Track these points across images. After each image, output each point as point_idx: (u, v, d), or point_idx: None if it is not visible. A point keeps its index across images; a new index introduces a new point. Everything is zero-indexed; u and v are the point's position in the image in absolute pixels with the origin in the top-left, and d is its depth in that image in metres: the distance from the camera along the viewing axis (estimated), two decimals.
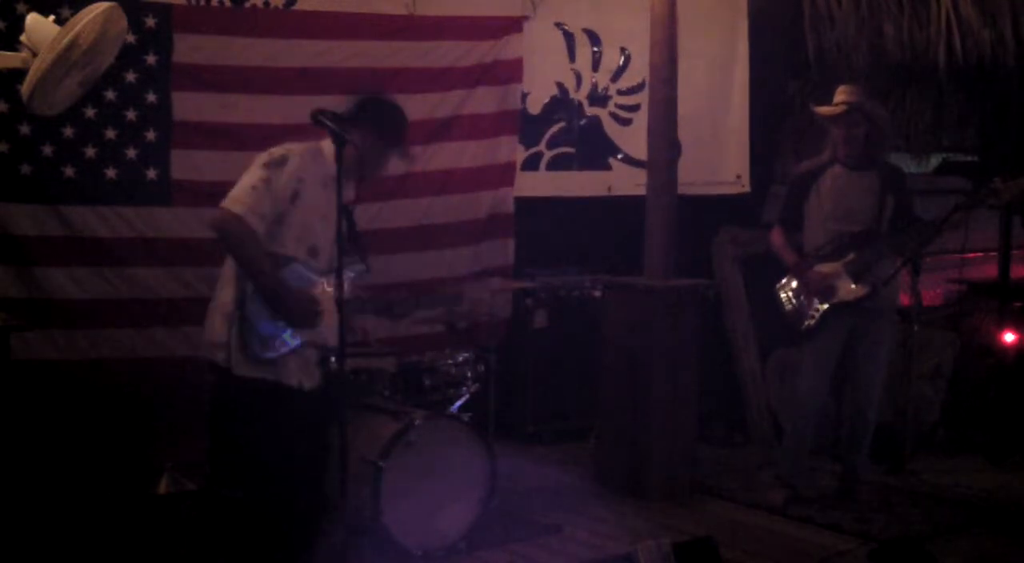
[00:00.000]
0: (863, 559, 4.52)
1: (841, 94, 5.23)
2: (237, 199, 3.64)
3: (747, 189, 6.89)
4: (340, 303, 3.47)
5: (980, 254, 7.24)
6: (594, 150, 6.61)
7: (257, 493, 3.71)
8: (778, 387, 6.50)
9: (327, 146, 3.74)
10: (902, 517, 5.15)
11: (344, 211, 3.55)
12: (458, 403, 5.02)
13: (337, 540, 3.82)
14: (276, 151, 3.74)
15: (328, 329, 3.75)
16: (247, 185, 3.66)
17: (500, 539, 4.73)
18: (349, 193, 3.74)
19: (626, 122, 6.65)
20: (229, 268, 3.76)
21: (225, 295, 3.73)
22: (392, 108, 4.01)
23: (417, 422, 4.49)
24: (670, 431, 5.47)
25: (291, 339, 3.73)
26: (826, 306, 5.22)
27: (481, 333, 5.49)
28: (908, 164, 7.49)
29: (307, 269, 3.74)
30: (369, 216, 5.45)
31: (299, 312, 3.69)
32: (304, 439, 3.72)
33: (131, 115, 5.17)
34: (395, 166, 4.07)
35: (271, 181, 3.66)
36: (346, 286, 3.71)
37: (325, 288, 3.76)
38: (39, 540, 4.33)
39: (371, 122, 3.86)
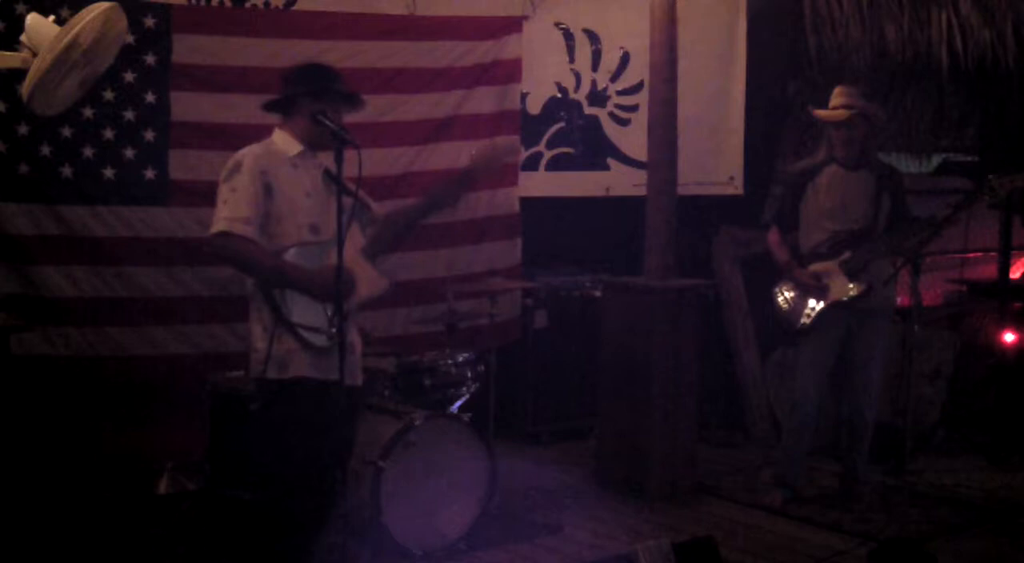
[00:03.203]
0: (863, 559, 4.52)
1: (841, 97, 5.22)
2: (215, 220, 3.65)
3: (740, 191, 6.89)
4: (341, 305, 3.47)
5: (980, 254, 7.26)
6: (593, 150, 6.61)
7: (260, 494, 3.70)
8: (778, 387, 6.50)
9: (277, 136, 3.81)
10: (902, 517, 5.15)
11: (336, 180, 3.54)
12: (458, 403, 5.02)
13: (337, 540, 3.82)
14: (227, 164, 3.74)
15: (363, 283, 3.77)
16: (219, 204, 3.68)
17: (500, 539, 4.73)
18: (326, 158, 3.71)
19: (624, 122, 6.64)
20: (250, 282, 3.77)
21: (259, 307, 3.71)
22: (311, 67, 3.95)
23: (417, 422, 4.49)
24: (670, 431, 5.47)
25: (336, 314, 3.71)
26: (822, 305, 5.22)
27: (483, 334, 5.50)
28: (908, 164, 7.49)
29: (314, 247, 3.73)
30: None
31: (330, 288, 3.66)
32: (314, 440, 3.70)
33: (130, 115, 5.17)
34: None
35: (236, 188, 3.65)
36: (358, 235, 3.78)
37: (344, 250, 3.73)
38: (39, 540, 4.33)
39: (303, 91, 3.80)
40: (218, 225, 3.64)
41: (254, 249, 3.63)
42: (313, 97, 3.76)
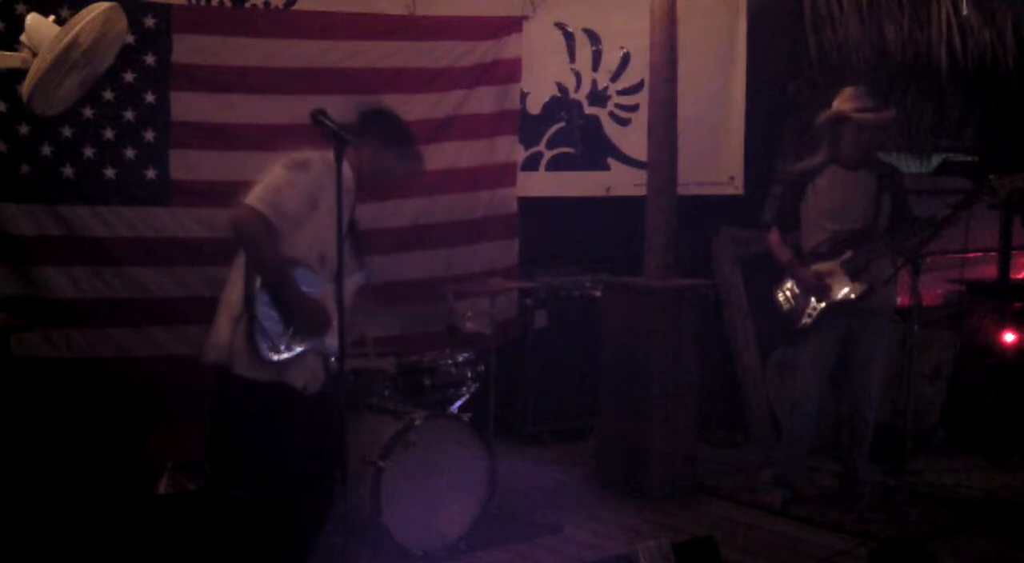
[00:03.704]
0: (863, 559, 4.53)
1: (859, 99, 5.16)
2: (261, 197, 3.60)
3: (740, 191, 6.89)
4: (341, 305, 3.47)
5: (980, 254, 7.25)
6: (593, 150, 6.61)
7: (259, 494, 3.71)
8: (778, 387, 6.50)
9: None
10: (902, 517, 5.14)
11: (349, 221, 3.55)
12: (458, 403, 5.02)
13: (337, 540, 3.82)
14: (298, 156, 3.72)
15: (333, 333, 3.74)
16: (271, 184, 3.63)
17: (500, 539, 4.73)
18: (350, 203, 3.73)
19: (625, 122, 6.65)
20: (237, 269, 3.73)
21: (233, 296, 3.71)
22: (392, 115, 4.04)
23: (417, 422, 4.49)
24: (670, 431, 5.47)
25: (296, 345, 3.71)
26: (823, 305, 5.22)
27: (482, 334, 5.48)
28: (908, 164, 7.49)
29: (315, 276, 3.73)
30: (367, 216, 5.43)
31: (310, 319, 3.68)
32: (307, 441, 3.71)
33: (130, 115, 5.17)
34: (406, 171, 4.06)
35: (295, 184, 3.65)
36: (348, 294, 3.72)
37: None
38: (39, 540, 4.33)
39: (376, 132, 3.87)
40: (261, 204, 3.59)
41: (273, 244, 3.62)
42: (384, 143, 3.85)
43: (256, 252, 3.66)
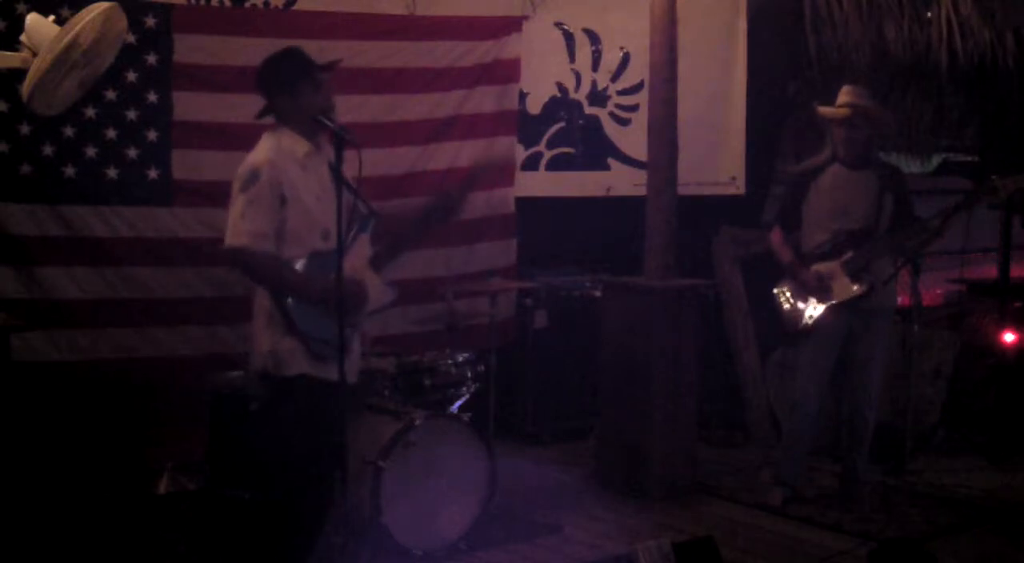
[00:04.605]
0: (863, 559, 4.52)
1: (846, 95, 5.22)
2: (234, 232, 3.64)
3: (741, 191, 6.90)
4: (341, 299, 3.47)
5: (980, 254, 7.26)
6: (594, 150, 6.61)
7: (259, 494, 3.71)
8: (778, 387, 6.50)
9: (283, 133, 3.77)
10: (902, 517, 5.15)
11: (340, 178, 3.52)
12: (458, 403, 5.02)
13: (337, 540, 3.82)
14: (242, 172, 3.71)
15: (374, 289, 3.81)
16: (236, 216, 3.65)
17: (500, 539, 4.73)
18: (329, 151, 3.67)
19: (625, 122, 6.65)
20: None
21: (263, 301, 3.72)
22: (278, 56, 3.89)
23: (417, 422, 4.50)
24: (670, 431, 5.48)
25: (348, 329, 3.69)
26: (824, 306, 5.22)
27: (482, 334, 5.50)
28: (908, 164, 7.50)
29: (325, 255, 3.71)
30: None
31: (344, 298, 3.66)
32: (321, 438, 3.70)
33: (132, 115, 5.17)
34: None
35: (254, 201, 3.63)
36: (366, 246, 3.81)
37: (354, 261, 3.73)
38: (39, 540, 4.33)
39: (283, 80, 3.79)
40: (239, 239, 3.61)
41: (275, 265, 3.64)
42: (297, 82, 3.74)
43: (265, 283, 3.70)
